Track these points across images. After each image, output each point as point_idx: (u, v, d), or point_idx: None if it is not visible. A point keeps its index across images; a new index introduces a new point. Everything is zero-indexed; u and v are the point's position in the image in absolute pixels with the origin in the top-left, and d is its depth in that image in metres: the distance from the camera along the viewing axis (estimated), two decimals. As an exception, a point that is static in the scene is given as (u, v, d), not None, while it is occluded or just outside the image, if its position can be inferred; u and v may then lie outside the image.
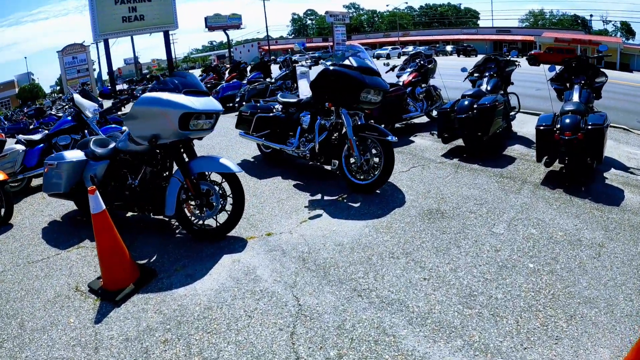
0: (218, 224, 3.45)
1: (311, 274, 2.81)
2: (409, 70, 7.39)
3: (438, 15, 74.11)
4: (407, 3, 74.66)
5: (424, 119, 7.51)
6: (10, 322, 2.59)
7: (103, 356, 2.19)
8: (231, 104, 10.23)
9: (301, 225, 3.62)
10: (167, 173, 3.58)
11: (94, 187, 2.68)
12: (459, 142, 5.71)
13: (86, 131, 5.87)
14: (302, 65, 7.83)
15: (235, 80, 12.74)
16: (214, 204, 3.35)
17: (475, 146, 5.30)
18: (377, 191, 4.23)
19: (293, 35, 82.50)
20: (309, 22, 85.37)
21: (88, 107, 5.94)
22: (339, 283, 2.69)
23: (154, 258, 3.26)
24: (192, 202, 3.39)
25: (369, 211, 3.78)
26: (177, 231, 3.73)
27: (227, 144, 6.98)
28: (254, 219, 3.80)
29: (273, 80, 10.56)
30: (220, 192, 3.39)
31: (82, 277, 3.07)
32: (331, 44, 41.56)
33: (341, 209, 3.88)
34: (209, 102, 3.24)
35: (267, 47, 55.72)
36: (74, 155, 3.97)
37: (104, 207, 2.70)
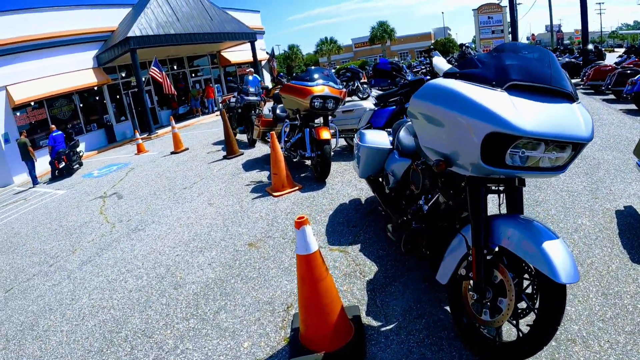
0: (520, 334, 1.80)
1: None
2: None
3: None
4: None
5: None
6: None
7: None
8: None
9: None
10: (465, 214, 2.26)
11: (304, 218, 1.97)
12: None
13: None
14: None
15: None
16: (502, 307, 1.78)
17: None
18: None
19: None
20: None
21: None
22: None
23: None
24: (470, 291, 1.92)
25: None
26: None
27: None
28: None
29: None
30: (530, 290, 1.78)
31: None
32: None
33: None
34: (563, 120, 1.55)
35: None
36: (377, 139, 3.30)
37: (316, 247, 2.01)
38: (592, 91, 10.65)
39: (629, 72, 9.07)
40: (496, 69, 1.64)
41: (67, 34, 14.54)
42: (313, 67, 5.29)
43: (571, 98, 1.61)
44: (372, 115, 5.09)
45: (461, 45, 6.78)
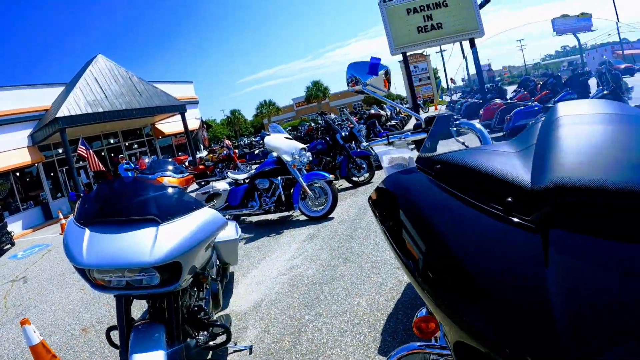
0: None
1: None
2: None
3: None
4: None
5: None
6: None
7: None
8: None
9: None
10: None
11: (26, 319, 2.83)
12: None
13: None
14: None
15: (527, 102, 9.56)
16: None
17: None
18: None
19: None
20: None
21: (286, 149, 5.65)
22: None
23: None
24: None
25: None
26: None
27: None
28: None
29: None
30: None
31: None
32: None
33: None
34: None
35: (621, 52, 48.33)
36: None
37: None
38: (488, 130, 12.06)
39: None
40: (86, 211, 2.03)
41: (2, 114, 15.11)
42: (157, 159, 5.97)
43: (156, 221, 1.93)
44: (228, 194, 5.87)
45: (321, 113, 8.04)
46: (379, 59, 1.79)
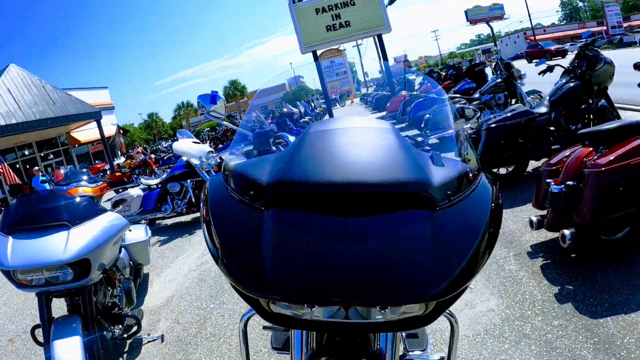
0: None
1: None
2: None
3: None
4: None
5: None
6: None
7: None
8: None
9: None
10: None
11: None
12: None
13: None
14: None
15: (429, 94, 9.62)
16: None
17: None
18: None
19: (565, 21, 68.99)
20: (580, 4, 71.23)
21: (194, 153, 5.85)
22: None
23: None
24: None
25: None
26: None
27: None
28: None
29: (477, 95, 7.62)
30: None
31: None
32: (604, 28, 36.47)
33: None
34: None
35: (533, 37, 44.18)
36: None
37: None
38: (394, 121, 12.62)
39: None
40: (9, 221, 2.35)
41: None
42: (73, 169, 6.06)
43: (67, 225, 2.32)
44: (142, 200, 6.05)
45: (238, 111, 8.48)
46: (217, 92, 2.33)
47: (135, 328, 2.78)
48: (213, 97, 2.31)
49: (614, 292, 2.44)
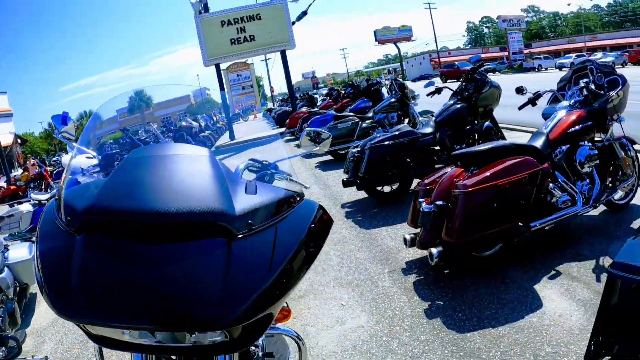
0: None
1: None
2: (568, 104, 3.35)
3: (630, 13, 57.77)
4: (591, 0, 56.51)
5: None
6: None
7: None
8: None
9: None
10: None
11: None
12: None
13: None
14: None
15: (328, 111, 10.08)
16: None
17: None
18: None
19: (470, 45, 73.91)
20: (485, 30, 77.92)
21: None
22: None
23: None
24: None
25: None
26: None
27: None
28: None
29: (372, 114, 7.67)
30: None
31: None
32: (506, 53, 39.35)
33: None
34: None
35: (437, 60, 47.52)
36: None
37: None
38: (294, 137, 11.08)
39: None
40: None
41: None
42: None
43: None
44: (32, 216, 5.36)
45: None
46: (67, 113, 2.23)
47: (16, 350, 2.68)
48: (64, 118, 2.16)
49: (483, 306, 2.54)
